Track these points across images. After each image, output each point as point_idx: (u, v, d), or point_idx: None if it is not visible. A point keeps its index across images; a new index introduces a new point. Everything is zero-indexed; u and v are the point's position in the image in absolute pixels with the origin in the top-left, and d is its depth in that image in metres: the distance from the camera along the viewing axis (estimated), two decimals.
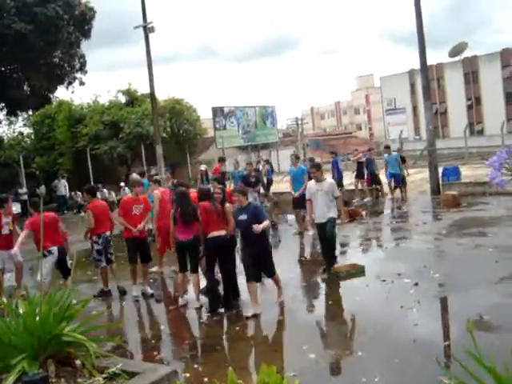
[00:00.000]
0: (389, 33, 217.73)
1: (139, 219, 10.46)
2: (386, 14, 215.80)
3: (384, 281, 9.81)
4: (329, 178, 11.22)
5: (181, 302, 9.59)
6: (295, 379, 3.13)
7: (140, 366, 3.82)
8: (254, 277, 8.83)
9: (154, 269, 11.98)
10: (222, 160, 20.56)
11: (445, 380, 4.07)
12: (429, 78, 22.58)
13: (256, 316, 8.58)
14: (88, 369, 3.81)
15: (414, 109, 69.46)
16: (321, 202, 10.53)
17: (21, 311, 4.12)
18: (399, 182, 20.41)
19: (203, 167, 21.35)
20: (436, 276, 9.76)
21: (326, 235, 10.55)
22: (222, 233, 9.16)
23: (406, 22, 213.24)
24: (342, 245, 13.48)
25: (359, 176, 21.14)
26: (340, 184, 18.96)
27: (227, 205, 9.52)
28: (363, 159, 21.33)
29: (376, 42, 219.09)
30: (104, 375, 3.71)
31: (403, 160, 21.04)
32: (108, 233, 11.08)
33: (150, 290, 10.64)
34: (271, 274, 9.12)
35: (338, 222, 10.87)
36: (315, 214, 10.72)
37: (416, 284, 9.31)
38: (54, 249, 10.14)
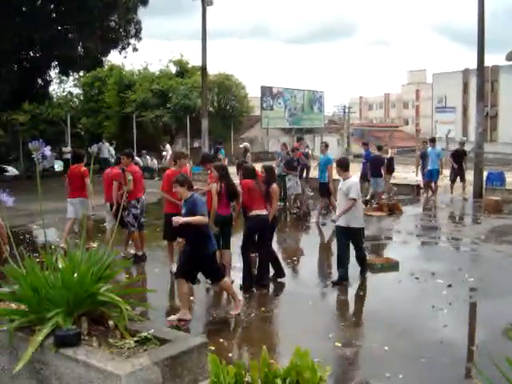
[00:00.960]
0: (445, 29, 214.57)
1: None
2: (443, 9, 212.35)
3: (417, 279, 9.73)
4: (354, 177, 10.03)
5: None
6: (326, 365, 3.11)
7: (171, 333, 3.84)
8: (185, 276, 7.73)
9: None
10: (300, 139, 20.21)
11: None
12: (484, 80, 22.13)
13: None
14: (120, 330, 3.85)
15: (464, 109, 68.40)
16: (340, 204, 9.70)
17: (60, 266, 4.17)
18: (436, 178, 20.13)
19: (243, 145, 21.29)
20: (470, 280, 9.63)
21: (356, 248, 9.83)
22: (263, 212, 9.14)
23: (463, 20, 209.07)
24: (379, 238, 13.45)
25: (389, 171, 20.61)
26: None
27: (274, 185, 9.50)
28: (418, 152, 21.07)
29: (431, 37, 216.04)
30: (135, 338, 3.74)
31: (465, 154, 20.75)
32: (144, 197, 11.32)
33: None
34: (212, 278, 8.18)
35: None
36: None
37: (449, 285, 9.21)
38: (107, 204, 11.34)
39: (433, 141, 21.29)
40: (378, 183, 17.79)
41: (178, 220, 7.31)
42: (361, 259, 9.93)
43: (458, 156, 20.42)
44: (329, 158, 15.54)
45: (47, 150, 3.86)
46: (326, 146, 16.42)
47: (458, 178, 20.29)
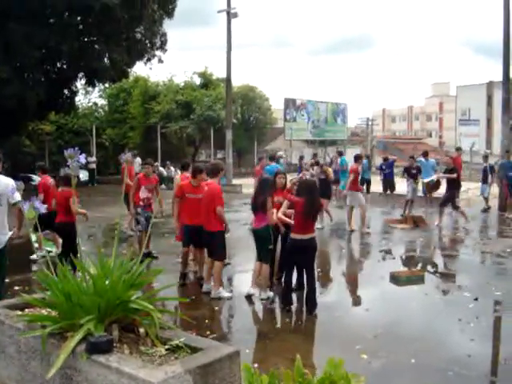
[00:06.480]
0: (469, 41, 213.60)
1: None
2: (467, 21, 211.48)
3: (443, 291, 9.65)
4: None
5: (262, 295, 9.15)
6: (360, 376, 3.10)
7: (203, 342, 3.84)
8: None
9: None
10: (426, 154, 20.04)
11: None
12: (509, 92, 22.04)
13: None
14: (151, 338, 3.86)
15: (489, 122, 67.91)
16: None
17: (92, 273, 4.19)
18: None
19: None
20: (498, 294, 9.52)
21: None
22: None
23: (487, 32, 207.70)
24: (403, 251, 13.45)
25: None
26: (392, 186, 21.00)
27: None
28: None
29: (455, 49, 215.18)
30: (166, 346, 3.75)
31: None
32: None
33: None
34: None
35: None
36: None
37: (476, 299, 9.10)
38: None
39: (425, 154, 20.31)
40: None
41: None
42: None
43: None
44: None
45: (82, 158, 3.92)
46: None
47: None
